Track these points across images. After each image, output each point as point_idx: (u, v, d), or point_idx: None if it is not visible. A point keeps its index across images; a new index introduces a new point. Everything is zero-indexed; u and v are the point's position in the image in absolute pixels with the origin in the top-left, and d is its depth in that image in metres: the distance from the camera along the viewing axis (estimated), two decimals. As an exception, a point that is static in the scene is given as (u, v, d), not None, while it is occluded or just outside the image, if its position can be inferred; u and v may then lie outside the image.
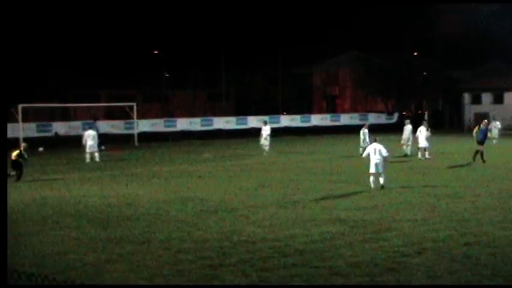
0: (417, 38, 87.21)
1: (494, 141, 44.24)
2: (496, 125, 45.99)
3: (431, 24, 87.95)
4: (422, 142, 35.61)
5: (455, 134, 61.17)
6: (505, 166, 31.96)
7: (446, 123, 71.57)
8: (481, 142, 33.60)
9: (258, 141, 41.28)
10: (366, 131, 36.95)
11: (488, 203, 20.75)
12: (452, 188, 24.25)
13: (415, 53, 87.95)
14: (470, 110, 73.45)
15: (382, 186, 23.99)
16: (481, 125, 34.58)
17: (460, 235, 15.92)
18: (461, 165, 32.53)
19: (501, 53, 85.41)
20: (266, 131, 40.43)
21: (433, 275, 12.49)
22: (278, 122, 74.72)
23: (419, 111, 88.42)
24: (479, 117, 70.34)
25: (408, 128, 38.17)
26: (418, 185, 25.25)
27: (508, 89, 70.39)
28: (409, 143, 37.83)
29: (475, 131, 34.61)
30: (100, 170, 32.82)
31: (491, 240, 15.27)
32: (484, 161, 32.79)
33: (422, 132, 35.61)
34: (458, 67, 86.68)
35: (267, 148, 40.12)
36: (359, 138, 37.65)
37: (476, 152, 33.31)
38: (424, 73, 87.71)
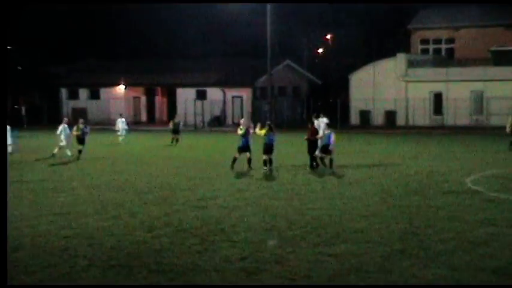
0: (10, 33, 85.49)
1: (120, 138, 44.27)
2: (123, 121, 45.76)
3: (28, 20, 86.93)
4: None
5: (54, 128, 61.23)
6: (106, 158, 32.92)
7: (45, 118, 71.24)
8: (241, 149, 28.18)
9: None
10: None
11: (87, 196, 21.23)
12: (52, 183, 24.31)
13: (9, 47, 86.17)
14: (68, 105, 74.22)
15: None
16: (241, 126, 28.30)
17: (59, 228, 16.04)
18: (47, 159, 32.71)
19: (97, 51, 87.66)
20: None
21: (29, 270, 12.42)
22: None
23: (16, 106, 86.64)
24: (77, 112, 71.69)
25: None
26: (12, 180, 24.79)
27: (104, 85, 72.61)
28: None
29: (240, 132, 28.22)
30: None
31: (90, 232, 15.67)
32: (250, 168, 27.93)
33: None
34: (55, 63, 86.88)
35: None
36: None
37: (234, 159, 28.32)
38: (19, 67, 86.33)
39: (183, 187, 23.20)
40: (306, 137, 28.73)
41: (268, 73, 61.76)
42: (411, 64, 63.78)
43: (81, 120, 35.26)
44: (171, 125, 44.42)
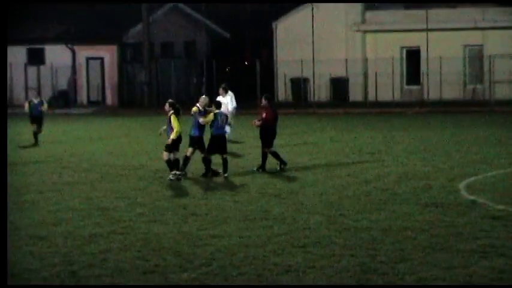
0: None
1: None
2: None
3: None
4: None
5: None
6: None
7: None
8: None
9: None
10: None
11: None
12: None
13: None
14: None
15: None
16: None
17: None
18: None
19: None
20: None
21: None
22: None
23: None
24: None
25: None
26: None
27: None
28: None
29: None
30: None
31: None
32: None
33: None
34: None
35: None
36: None
37: None
38: None
39: (10, 205, 22.86)
40: (257, 122, 28.77)
41: (144, 21, 61.56)
42: (370, 4, 64.23)
43: None
44: (26, 108, 40.77)
